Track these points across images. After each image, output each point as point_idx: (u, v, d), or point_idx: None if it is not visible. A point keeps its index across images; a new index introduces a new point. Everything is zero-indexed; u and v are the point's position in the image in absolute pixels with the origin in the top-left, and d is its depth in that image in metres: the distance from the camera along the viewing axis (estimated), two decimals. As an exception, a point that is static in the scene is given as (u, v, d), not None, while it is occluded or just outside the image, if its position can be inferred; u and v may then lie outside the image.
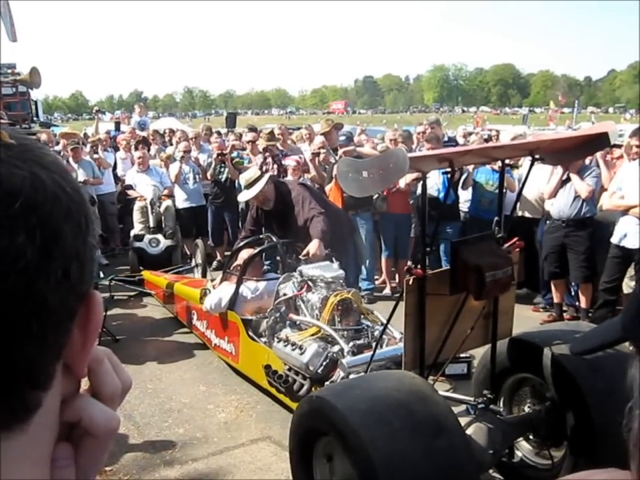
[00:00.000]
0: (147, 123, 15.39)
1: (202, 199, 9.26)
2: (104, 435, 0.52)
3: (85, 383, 0.54)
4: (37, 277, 0.43)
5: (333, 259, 5.01)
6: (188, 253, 9.05)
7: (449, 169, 3.13)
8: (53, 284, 0.44)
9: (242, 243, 5.88)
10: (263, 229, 6.04)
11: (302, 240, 5.46)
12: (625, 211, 5.87)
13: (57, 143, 10.68)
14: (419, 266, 3.24)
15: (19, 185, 0.43)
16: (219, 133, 12.39)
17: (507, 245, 3.50)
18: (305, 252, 5.24)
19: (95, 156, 9.76)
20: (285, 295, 4.92)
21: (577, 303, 6.85)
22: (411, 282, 3.17)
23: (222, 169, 8.98)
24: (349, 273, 5.78)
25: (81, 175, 8.87)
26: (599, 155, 6.58)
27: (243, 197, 6.18)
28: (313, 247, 5.24)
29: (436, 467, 2.62)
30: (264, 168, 8.44)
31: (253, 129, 10.95)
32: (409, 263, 7.25)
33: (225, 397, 5.10)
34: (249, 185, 5.82)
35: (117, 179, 10.30)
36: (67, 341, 0.48)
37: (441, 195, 6.70)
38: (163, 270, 7.80)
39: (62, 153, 9.12)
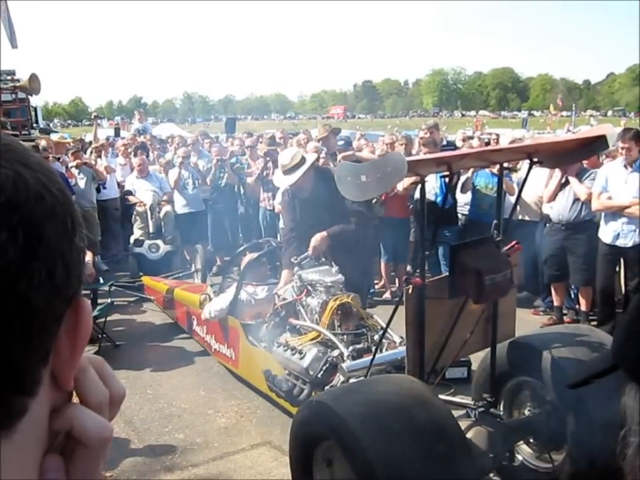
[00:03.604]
0: (148, 128, 15.38)
1: (201, 205, 9.25)
2: (96, 445, 0.50)
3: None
4: (19, 277, 0.42)
5: (333, 264, 4.99)
6: (188, 258, 9.05)
7: (447, 173, 3.13)
8: (37, 284, 0.43)
9: (241, 249, 5.86)
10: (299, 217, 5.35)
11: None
12: (617, 211, 5.97)
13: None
14: (417, 271, 3.24)
15: (0, 184, 0.42)
16: (216, 139, 12.42)
17: (505, 248, 3.50)
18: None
19: (99, 161, 9.76)
20: (284, 299, 4.92)
21: (577, 306, 6.85)
22: (410, 290, 3.17)
23: (221, 174, 8.99)
24: (363, 282, 5.66)
25: (80, 181, 8.87)
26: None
27: (280, 182, 5.43)
28: (316, 238, 4.99)
29: (436, 470, 2.61)
30: (264, 172, 8.49)
31: (250, 135, 11.02)
32: (408, 268, 7.27)
33: (225, 402, 5.09)
34: (288, 171, 5.12)
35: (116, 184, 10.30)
36: (53, 346, 0.47)
37: (439, 199, 6.70)
38: (162, 275, 7.79)
39: (61, 159, 9.11)
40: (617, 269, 6.32)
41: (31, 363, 0.45)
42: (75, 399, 0.52)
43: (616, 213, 5.98)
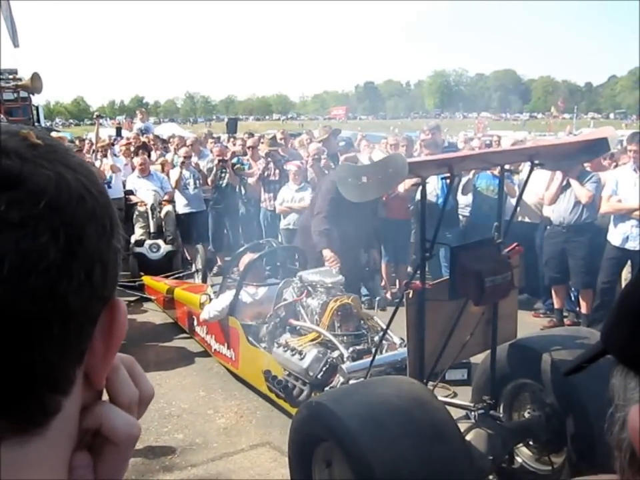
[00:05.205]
0: (150, 128, 15.36)
1: (202, 205, 9.24)
2: (124, 442, 0.51)
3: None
4: (60, 278, 0.42)
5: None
6: (188, 258, 9.04)
7: (448, 174, 3.13)
8: (75, 285, 0.43)
9: (242, 249, 5.86)
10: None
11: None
12: (626, 214, 5.97)
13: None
14: (417, 274, 3.24)
15: (43, 185, 0.42)
16: (218, 139, 12.42)
17: (506, 250, 3.50)
18: None
19: (105, 160, 9.74)
20: (285, 300, 4.92)
21: (578, 309, 6.85)
22: (411, 295, 3.16)
23: (223, 175, 8.99)
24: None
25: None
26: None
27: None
28: (330, 261, 5.61)
29: (435, 473, 2.61)
30: (266, 173, 8.50)
31: (251, 135, 11.04)
32: (409, 269, 7.26)
33: (224, 403, 5.09)
34: None
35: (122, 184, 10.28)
36: (88, 347, 0.47)
37: (440, 201, 6.70)
38: (163, 275, 7.79)
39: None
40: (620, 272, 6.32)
41: (66, 363, 0.45)
42: (105, 397, 0.53)
43: (625, 215, 6.00)
